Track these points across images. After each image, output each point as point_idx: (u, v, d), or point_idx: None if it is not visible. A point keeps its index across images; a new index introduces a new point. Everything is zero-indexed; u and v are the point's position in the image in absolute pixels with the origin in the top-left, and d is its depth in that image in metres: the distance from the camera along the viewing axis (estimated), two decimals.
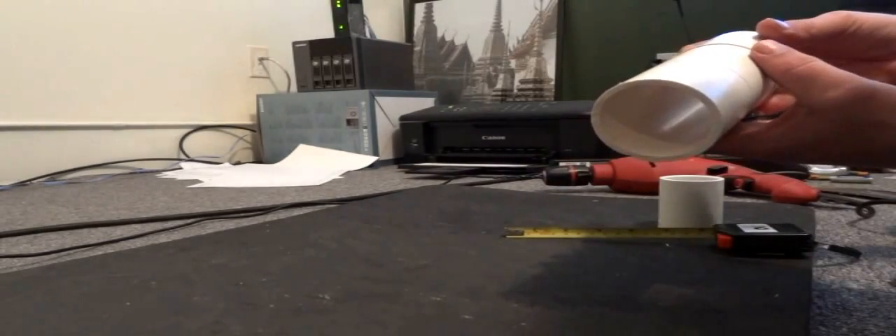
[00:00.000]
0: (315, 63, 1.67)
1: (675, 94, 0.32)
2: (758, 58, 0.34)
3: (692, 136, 0.33)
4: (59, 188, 1.24)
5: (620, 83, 0.31)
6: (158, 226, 0.74)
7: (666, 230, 0.52)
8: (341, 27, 1.66)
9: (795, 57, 0.33)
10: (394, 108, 1.63)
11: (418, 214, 0.66)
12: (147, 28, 1.60)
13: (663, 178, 0.55)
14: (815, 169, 1.06)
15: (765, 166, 0.92)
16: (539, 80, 2.14)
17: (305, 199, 0.93)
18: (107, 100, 1.52)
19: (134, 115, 1.58)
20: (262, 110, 1.74)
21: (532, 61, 2.16)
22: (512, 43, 2.20)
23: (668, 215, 0.55)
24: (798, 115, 0.32)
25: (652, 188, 0.80)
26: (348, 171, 1.43)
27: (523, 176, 1.19)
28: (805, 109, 0.32)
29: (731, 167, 0.85)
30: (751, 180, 0.83)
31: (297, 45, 1.69)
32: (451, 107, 1.61)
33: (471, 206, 0.72)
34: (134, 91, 1.58)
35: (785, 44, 0.36)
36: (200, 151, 1.73)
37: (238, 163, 1.79)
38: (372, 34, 1.83)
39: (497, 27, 2.23)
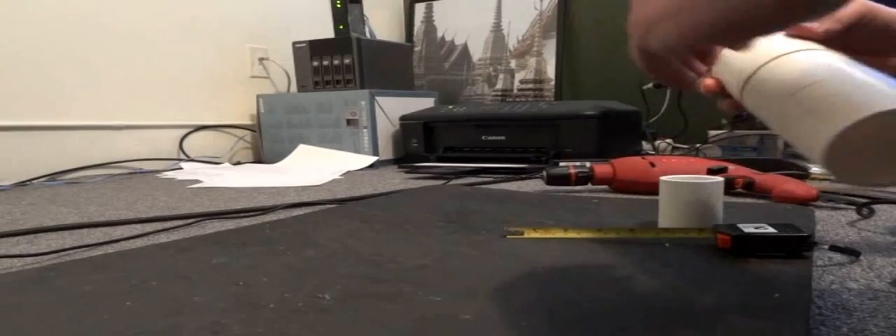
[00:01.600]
0: (315, 63, 1.67)
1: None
2: None
3: None
4: (59, 188, 1.24)
5: (843, 119, 0.28)
6: (158, 226, 0.74)
7: (666, 230, 0.52)
8: (341, 27, 1.66)
9: None
10: (394, 108, 1.63)
11: (418, 214, 0.66)
12: (147, 28, 1.60)
13: (663, 178, 0.55)
14: (815, 169, 1.06)
15: (764, 166, 0.92)
16: (539, 80, 2.14)
17: (305, 199, 0.93)
18: (107, 100, 1.52)
19: (134, 115, 1.58)
20: (262, 110, 1.74)
21: (532, 61, 2.16)
22: (512, 43, 2.20)
23: (668, 215, 0.55)
24: None
25: (652, 188, 0.80)
26: (348, 171, 1.43)
27: (523, 176, 1.19)
28: None
29: (731, 167, 0.85)
30: (751, 180, 0.83)
31: (297, 45, 1.69)
32: (451, 107, 1.61)
33: (471, 206, 0.72)
34: (134, 91, 1.58)
35: (822, 43, 0.36)
36: (200, 151, 1.73)
37: (238, 163, 1.79)
38: (372, 34, 1.83)
39: (497, 27, 2.23)
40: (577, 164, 0.93)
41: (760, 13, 0.23)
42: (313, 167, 1.51)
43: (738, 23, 0.24)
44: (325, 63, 1.65)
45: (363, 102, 1.56)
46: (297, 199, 0.92)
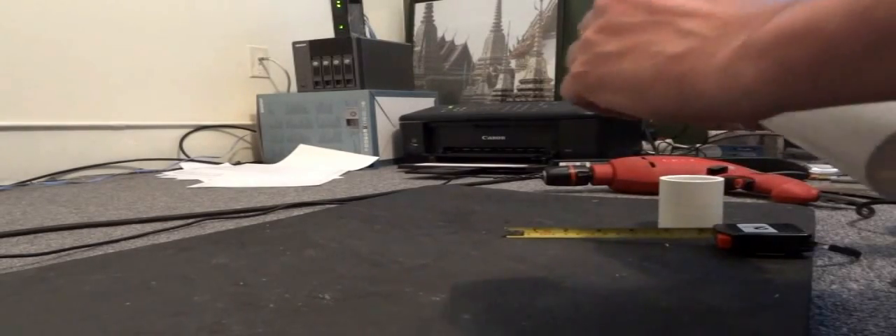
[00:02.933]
0: (315, 63, 1.67)
1: None
2: None
3: None
4: (59, 188, 1.24)
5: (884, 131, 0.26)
6: (158, 226, 0.74)
7: (666, 230, 0.52)
8: (341, 27, 1.66)
9: None
10: (394, 108, 1.63)
11: (418, 214, 0.66)
12: (147, 28, 1.60)
13: (663, 178, 0.55)
14: (815, 169, 1.06)
15: (764, 166, 0.92)
16: (539, 80, 2.14)
17: (305, 199, 0.93)
18: (107, 100, 1.52)
19: (134, 115, 1.58)
20: (262, 110, 1.74)
21: (532, 61, 2.16)
22: (512, 43, 2.20)
23: (668, 215, 0.55)
24: None
25: (652, 188, 0.80)
26: (348, 171, 1.43)
27: (523, 176, 1.19)
28: None
29: (731, 167, 0.85)
30: (751, 180, 0.83)
31: (297, 45, 1.69)
32: (451, 107, 1.61)
33: (471, 206, 0.72)
34: (134, 91, 1.58)
35: None
36: (200, 151, 1.73)
37: (238, 163, 1.79)
38: (372, 34, 1.83)
39: (497, 27, 2.23)
40: (577, 164, 0.93)
41: (738, 116, 0.23)
42: (313, 167, 1.51)
43: (709, 119, 0.25)
44: (325, 63, 1.65)
45: (363, 102, 1.56)
46: (297, 199, 0.92)
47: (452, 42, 2.32)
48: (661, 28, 0.27)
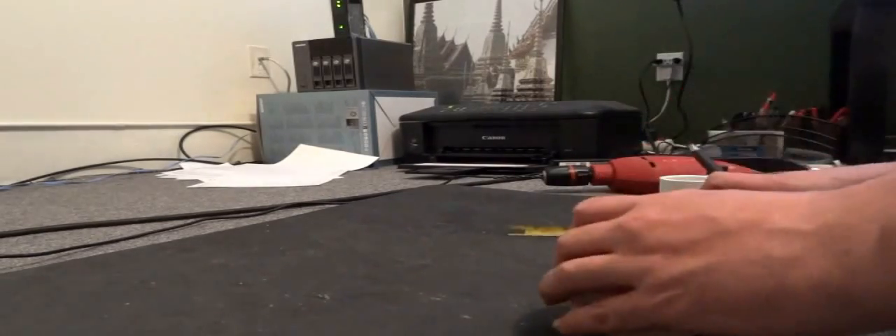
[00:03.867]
0: (315, 63, 1.67)
1: None
2: None
3: None
4: (59, 188, 1.24)
5: None
6: (158, 226, 0.74)
7: None
8: (341, 27, 1.66)
9: None
10: (394, 108, 1.63)
11: (418, 214, 0.66)
12: (147, 28, 1.60)
13: (663, 177, 0.55)
14: (815, 169, 1.05)
15: (764, 166, 0.92)
16: (539, 80, 2.14)
17: (305, 199, 0.93)
18: (107, 100, 1.52)
19: (134, 115, 1.58)
20: (262, 110, 1.74)
21: (532, 61, 2.16)
22: (512, 43, 2.20)
23: None
24: None
25: (652, 188, 0.80)
26: (348, 171, 1.43)
27: (523, 176, 1.19)
28: None
29: (731, 167, 0.85)
30: None
31: (297, 45, 1.69)
32: (451, 107, 1.61)
33: (471, 205, 0.72)
34: (134, 91, 1.58)
35: None
36: (200, 151, 1.73)
37: (238, 163, 1.79)
38: (372, 34, 1.83)
39: (497, 27, 2.23)
40: (577, 164, 0.93)
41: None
42: (313, 167, 1.51)
43: (873, 326, 0.21)
44: (325, 63, 1.65)
45: (363, 102, 1.56)
46: (297, 199, 0.92)
47: (452, 42, 2.32)
48: (741, 235, 0.23)
